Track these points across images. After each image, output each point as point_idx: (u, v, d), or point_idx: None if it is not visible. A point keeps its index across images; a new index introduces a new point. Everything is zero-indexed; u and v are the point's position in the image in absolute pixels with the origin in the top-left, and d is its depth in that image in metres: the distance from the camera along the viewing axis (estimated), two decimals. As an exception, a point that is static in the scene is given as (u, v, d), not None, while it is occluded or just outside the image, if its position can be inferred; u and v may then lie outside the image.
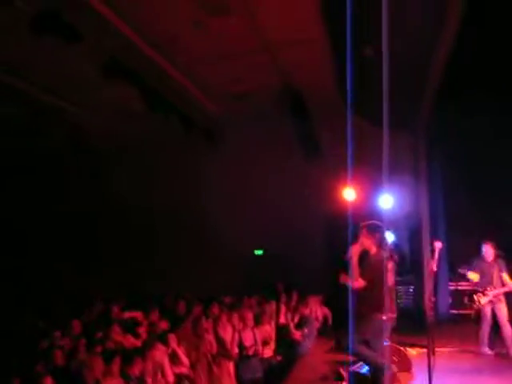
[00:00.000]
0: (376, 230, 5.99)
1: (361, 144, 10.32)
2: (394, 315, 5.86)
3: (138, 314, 9.06)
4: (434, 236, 11.03)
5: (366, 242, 5.95)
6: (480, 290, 8.52)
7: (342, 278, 6.02)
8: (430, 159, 12.92)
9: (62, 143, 13.66)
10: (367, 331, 5.66)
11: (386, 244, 6.16)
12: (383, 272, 5.73)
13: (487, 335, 8.43)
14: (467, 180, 11.97)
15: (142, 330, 7.55)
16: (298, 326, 9.52)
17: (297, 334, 9.52)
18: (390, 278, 5.89)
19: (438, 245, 5.36)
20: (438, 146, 12.94)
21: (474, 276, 8.55)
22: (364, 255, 5.90)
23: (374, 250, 5.91)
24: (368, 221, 6.15)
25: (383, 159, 9.11)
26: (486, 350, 8.47)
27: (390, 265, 5.96)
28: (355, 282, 5.66)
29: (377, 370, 5.74)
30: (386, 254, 5.97)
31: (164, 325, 7.83)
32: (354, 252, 5.81)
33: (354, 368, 6.40)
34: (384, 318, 5.71)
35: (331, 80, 11.56)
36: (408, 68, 9.81)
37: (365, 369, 6.30)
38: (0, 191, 15.32)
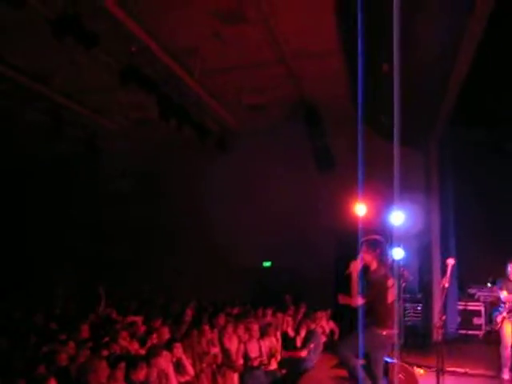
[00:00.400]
0: (377, 246, 5.82)
1: (373, 159, 10.35)
2: (395, 331, 5.73)
3: (138, 319, 9.06)
4: (445, 253, 10.95)
5: (367, 258, 5.78)
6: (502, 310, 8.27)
7: (341, 299, 5.93)
8: (442, 176, 12.84)
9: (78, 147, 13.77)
10: (366, 344, 5.55)
11: (387, 260, 5.99)
12: (383, 289, 5.62)
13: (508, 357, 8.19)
14: (479, 198, 11.90)
15: (149, 338, 7.53)
16: (305, 340, 9.44)
17: (303, 348, 9.44)
18: (391, 296, 5.67)
19: (451, 261, 5.26)
20: (450, 163, 12.88)
21: (505, 294, 8.30)
22: (366, 271, 5.73)
23: (374, 265, 5.74)
24: (370, 236, 5.98)
25: (394, 175, 9.14)
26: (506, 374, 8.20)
27: (391, 282, 5.72)
28: (354, 299, 5.55)
29: (355, 379, 5.65)
30: (385, 271, 5.78)
31: (166, 332, 7.79)
32: (354, 268, 5.65)
33: (360, 384, 6.31)
34: (384, 333, 5.59)
35: (346, 94, 11.61)
36: (424, 85, 9.82)
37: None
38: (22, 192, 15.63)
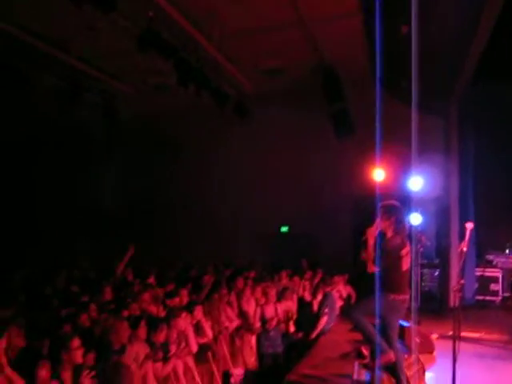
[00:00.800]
0: (393, 212, 5.71)
1: (392, 124, 10.28)
2: (408, 296, 5.74)
3: (152, 280, 9.18)
4: (463, 218, 10.89)
5: (383, 225, 5.64)
6: None
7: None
8: (462, 139, 12.69)
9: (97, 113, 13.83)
10: (381, 308, 5.58)
11: (404, 227, 5.77)
12: (398, 259, 5.57)
13: None
14: (499, 161, 11.75)
15: (168, 300, 7.67)
16: (320, 304, 9.54)
17: (319, 312, 9.54)
18: (406, 264, 5.64)
19: (470, 226, 5.19)
20: (470, 126, 12.72)
21: None
22: (382, 237, 5.60)
23: (390, 233, 5.64)
24: (386, 201, 5.86)
25: (412, 138, 9.04)
26: None
27: (406, 250, 5.64)
28: (370, 266, 5.55)
29: (370, 342, 5.79)
30: (401, 239, 5.67)
31: (185, 295, 7.93)
32: (370, 235, 5.56)
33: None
34: (398, 298, 5.62)
35: (364, 57, 11.48)
36: (444, 46, 9.65)
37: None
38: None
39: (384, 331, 5.69)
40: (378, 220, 5.68)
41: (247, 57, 12.07)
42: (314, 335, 8.96)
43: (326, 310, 9.37)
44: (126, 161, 16.34)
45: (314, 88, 12.55)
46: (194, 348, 6.64)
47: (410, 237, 6.15)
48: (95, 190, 16.51)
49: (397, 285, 5.60)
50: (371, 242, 5.54)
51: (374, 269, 5.51)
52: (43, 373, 4.10)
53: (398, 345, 5.82)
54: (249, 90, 13.96)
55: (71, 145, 16.18)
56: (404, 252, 5.62)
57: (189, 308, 7.00)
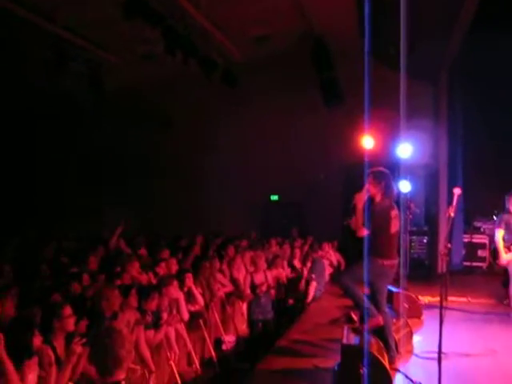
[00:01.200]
0: (382, 178, 5.76)
1: (381, 92, 10.23)
2: (396, 261, 5.83)
3: (143, 252, 9.22)
4: (452, 185, 10.97)
5: (372, 190, 5.73)
6: (506, 245, 8.24)
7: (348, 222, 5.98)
8: (451, 106, 12.68)
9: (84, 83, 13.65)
10: (370, 273, 5.61)
11: (392, 192, 5.82)
12: (387, 220, 5.65)
13: None
14: (488, 128, 11.79)
15: (158, 269, 7.71)
16: (310, 270, 9.66)
17: (309, 278, 9.65)
18: (395, 226, 5.72)
19: (457, 191, 5.22)
20: (459, 92, 12.71)
21: (501, 233, 8.25)
22: (371, 202, 5.68)
23: (378, 197, 5.71)
24: (375, 168, 5.89)
25: (401, 105, 9.03)
26: None
27: (394, 213, 5.72)
28: (359, 230, 5.57)
29: (359, 307, 5.85)
30: (390, 202, 5.74)
31: (174, 264, 7.96)
32: (359, 199, 5.63)
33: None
34: (386, 263, 5.68)
35: (353, 24, 11.36)
36: (433, 13, 9.58)
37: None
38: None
39: (373, 296, 5.77)
40: (366, 185, 5.75)
41: (235, 24, 11.92)
42: (309, 301, 9.11)
43: (314, 276, 9.49)
44: (115, 131, 16.22)
45: (303, 56, 12.46)
46: (186, 316, 6.70)
47: (398, 203, 6.10)
48: (85, 159, 16.45)
49: (385, 249, 5.67)
50: (360, 206, 5.59)
51: (364, 232, 5.55)
52: (37, 341, 4.13)
53: (386, 309, 5.91)
54: (237, 59, 13.82)
55: (60, 115, 16.03)
56: (393, 214, 5.69)
57: (179, 276, 7.04)
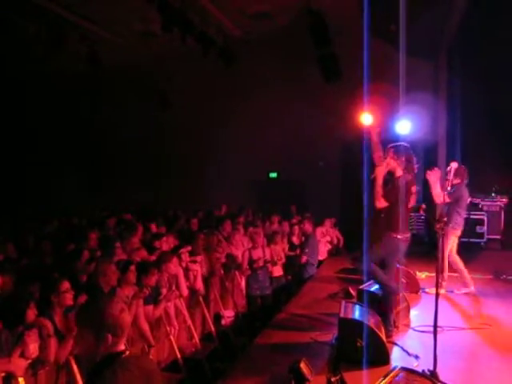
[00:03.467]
0: (403, 153, 5.89)
1: (381, 68, 10.20)
2: (409, 235, 5.95)
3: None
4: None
5: (392, 164, 5.89)
6: None
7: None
8: (450, 82, 12.63)
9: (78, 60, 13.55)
10: (382, 250, 5.87)
11: (413, 166, 5.92)
12: (405, 194, 5.75)
13: None
14: (488, 105, 11.74)
15: (158, 245, 7.75)
16: (303, 245, 9.73)
17: (301, 253, 9.70)
18: (412, 200, 5.98)
19: (454, 165, 5.28)
20: (459, 69, 12.64)
21: None
22: (391, 176, 5.88)
23: (399, 172, 5.85)
24: (397, 142, 6.05)
25: (400, 81, 9.02)
26: None
27: (414, 188, 5.93)
28: (378, 201, 5.73)
29: (387, 291, 5.93)
30: (410, 177, 5.86)
31: (172, 239, 8.01)
32: (379, 172, 5.78)
33: (363, 287, 6.56)
34: (399, 237, 5.81)
35: (353, 0, 11.25)
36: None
37: (374, 287, 6.46)
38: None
39: (383, 269, 5.91)
40: (387, 159, 5.90)
41: (233, 1, 11.81)
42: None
43: (307, 250, 9.58)
44: (113, 109, 16.16)
45: (301, 33, 12.33)
46: (185, 292, 6.76)
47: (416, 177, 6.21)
48: (83, 137, 16.43)
49: (399, 223, 5.75)
50: (380, 179, 5.74)
51: (382, 204, 5.71)
52: (31, 314, 4.17)
53: (393, 283, 6.00)
54: (235, 35, 13.72)
55: (58, 93, 15.97)
56: (413, 189, 5.85)
57: (177, 251, 7.08)
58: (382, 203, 5.71)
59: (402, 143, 6.01)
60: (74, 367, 4.39)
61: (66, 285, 4.57)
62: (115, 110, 16.10)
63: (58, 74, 14.99)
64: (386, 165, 5.88)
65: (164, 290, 6.16)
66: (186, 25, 10.96)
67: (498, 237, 12.92)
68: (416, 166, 6.01)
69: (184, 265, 7.05)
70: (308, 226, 9.97)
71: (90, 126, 16.48)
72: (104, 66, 13.55)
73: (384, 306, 5.84)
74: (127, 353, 2.58)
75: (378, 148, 5.82)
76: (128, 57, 14.57)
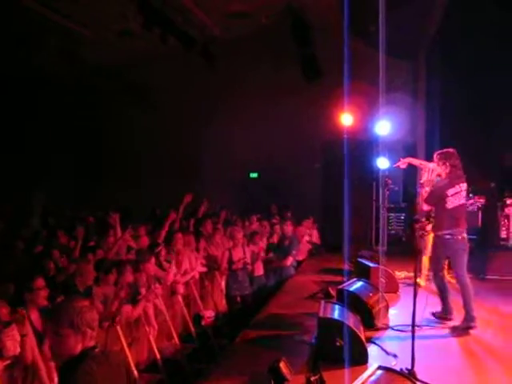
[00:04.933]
0: (448, 157, 6.37)
1: (361, 69, 10.26)
2: (463, 229, 6.36)
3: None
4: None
5: (439, 168, 6.40)
6: None
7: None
8: (430, 82, 12.72)
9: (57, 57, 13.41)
10: (438, 250, 6.42)
11: (458, 170, 6.38)
12: (445, 196, 6.20)
13: None
14: (467, 105, 11.85)
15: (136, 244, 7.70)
16: (289, 246, 9.72)
17: (286, 256, 9.69)
18: (451, 203, 6.24)
19: (433, 165, 5.41)
20: (438, 70, 12.74)
21: None
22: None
23: (444, 175, 6.36)
24: (444, 149, 6.53)
25: (380, 81, 9.09)
26: None
27: (452, 190, 6.26)
28: (421, 206, 6.38)
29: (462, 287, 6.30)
30: (453, 180, 6.30)
31: (145, 240, 7.95)
32: (428, 179, 6.50)
33: (343, 286, 6.59)
34: (439, 234, 6.28)
35: (333, 1, 11.30)
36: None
37: (353, 287, 6.50)
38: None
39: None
40: (434, 164, 6.49)
41: (214, 0, 11.79)
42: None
43: (294, 252, 9.60)
44: (95, 107, 16.03)
45: (282, 33, 12.37)
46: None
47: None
48: (67, 132, 16.24)
49: (443, 223, 6.24)
50: (426, 185, 6.43)
51: (424, 208, 6.36)
52: (4, 311, 4.11)
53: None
54: (216, 35, 13.69)
55: (37, 92, 15.76)
56: (451, 191, 6.21)
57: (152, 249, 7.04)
58: (423, 207, 6.34)
59: (449, 149, 6.46)
60: (41, 365, 4.32)
61: (41, 282, 4.50)
62: (96, 108, 15.98)
63: (38, 72, 14.81)
64: (433, 170, 6.55)
65: (143, 290, 6.12)
66: (167, 24, 10.92)
67: (475, 236, 13.04)
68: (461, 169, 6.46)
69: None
70: (290, 228, 9.97)
71: (71, 125, 16.28)
72: (85, 64, 13.47)
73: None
74: (97, 349, 2.64)
75: (425, 193, 6.40)
76: (109, 56, 14.45)
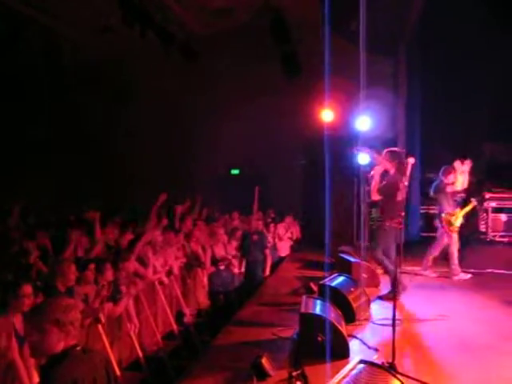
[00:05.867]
0: (396, 156, 7.04)
1: (341, 65, 10.28)
2: (399, 225, 6.35)
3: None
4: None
5: (387, 165, 7.04)
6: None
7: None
8: (410, 78, 12.82)
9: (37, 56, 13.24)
10: (382, 238, 6.99)
11: (404, 167, 6.78)
12: (394, 189, 6.82)
13: None
14: (446, 99, 11.98)
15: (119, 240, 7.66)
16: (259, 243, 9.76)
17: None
18: (401, 195, 6.84)
19: (411, 160, 5.52)
20: (418, 66, 12.85)
21: None
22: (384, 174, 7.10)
23: (392, 171, 7.01)
24: (392, 148, 7.34)
25: (361, 77, 9.17)
26: None
27: (402, 185, 6.76)
28: (372, 194, 7.04)
29: (393, 277, 6.48)
30: (400, 176, 6.78)
31: (129, 236, 7.91)
32: (376, 172, 7.00)
33: (325, 281, 6.63)
34: (388, 224, 6.91)
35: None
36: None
37: (334, 282, 6.55)
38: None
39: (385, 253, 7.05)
40: (384, 160, 7.09)
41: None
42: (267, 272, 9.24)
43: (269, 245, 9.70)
44: (76, 106, 15.86)
45: (262, 30, 12.35)
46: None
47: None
48: (47, 133, 16.05)
49: (392, 213, 6.80)
50: (377, 177, 6.94)
51: (377, 197, 6.98)
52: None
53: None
54: (196, 32, 13.62)
55: (17, 91, 15.57)
56: (401, 186, 6.73)
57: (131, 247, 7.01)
58: (375, 196, 6.98)
59: (397, 149, 7.37)
60: (20, 364, 4.28)
61: (28, 289, 4.44)
62: (76, 106, 15.81)
63: (15, 69, 14.61)
64: (383, 165, 7.08)
65: (123, 288, 6.09)
66: (147, 20, 10.85)
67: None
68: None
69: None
70: (260, 223, 9.99)
71: (49, 123, 16.09)
72: (64, 61, 13.31)
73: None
74: (79, 348, 2.64)
75: (377, 184, 6.99)
76: (89, 52, 14.31)
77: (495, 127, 12.39)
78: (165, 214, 9.10)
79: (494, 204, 11.48)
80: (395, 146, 12.57)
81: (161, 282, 7.37)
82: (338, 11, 9.88)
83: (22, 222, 9.56)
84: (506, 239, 11.16)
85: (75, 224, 8.55)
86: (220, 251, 8.44)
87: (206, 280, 8.68)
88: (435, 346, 5.39)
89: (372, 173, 7.24)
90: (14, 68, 14.31)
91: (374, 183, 7.03)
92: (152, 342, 6.81)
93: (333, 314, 5.37)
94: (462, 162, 8.67)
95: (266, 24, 12.18)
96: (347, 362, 4.53)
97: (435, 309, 6.59)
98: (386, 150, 7.20)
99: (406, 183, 5.33)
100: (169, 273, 7.63)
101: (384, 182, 7.03)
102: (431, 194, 8.97)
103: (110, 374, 2.81)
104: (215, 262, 8.43)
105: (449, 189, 8.61)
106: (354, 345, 5.33)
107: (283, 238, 11.20)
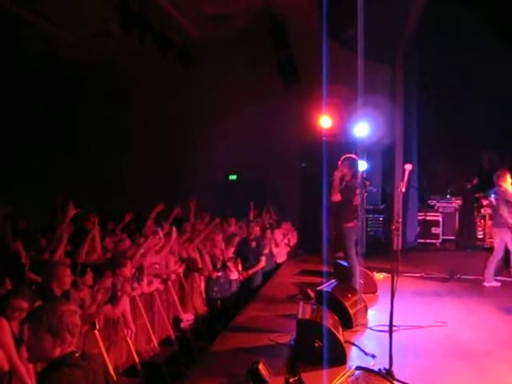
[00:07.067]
0: (353, 163, 7.52)
1: (339, 72, 10.31)
2: (355, 224, 7.51)
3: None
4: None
5: (345, 171, 7.42)
6: None
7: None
8: (407, 86, 12.85)
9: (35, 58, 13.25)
10: (348, 240, 7.38)
11: (358, 174, 7.68)
12: (352, 193, 7.39)
13: None
14: (443, 106, 12.02)
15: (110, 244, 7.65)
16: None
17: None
18: (357, 200, 7.46)
19: (408, 167, 5.46)
20: (415, 73, 12.89)
21: None
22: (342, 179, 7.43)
23: (348, 177, 7.44)
24: (349, 155, 7.60)
25: (359, 84, 9.26)
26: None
27: (358, 190, 7.50)
28: (333, 196, 7.30)
29: (352, 272, 7.34)
30: (356, 182, 7.48)
31: (128, 242, 7.89)
32: (336, 176, 7.32)
33: (322, 288, 6.63)
34: (350, 225, 7.37)
35: (312, 5, 11.34)
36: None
37: (332, 288, 6.54)
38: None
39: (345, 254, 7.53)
40: (341, 167, 7.45)
41: (192, 2, 11.77)
42: (251, 272, 9.25)
43: (266, 251, 9.70)
44: (74, 109, 15.88)
45: (261, 36, 12.39)
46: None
47: (362, 182, 8.02)
48: (43, 136, 16.04)
49: (349, 215, 7.39)
50: (337, 181, 7.31)
51: (337, 198, 7.29)
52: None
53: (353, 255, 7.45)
54: (195, 38, 13.66)
55: (13, 93, 15.56)
56: (358, 191, 7.47)
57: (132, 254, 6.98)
58: (336, 197, 7.29)
59: (353, 156, 7.69)
60: (23, 370, 4.26)
61: (25, 304, 4.40)
62: (72, 109, 15.82)
63: (11, 72, 14.61)
64: (341, 171, 7.43)
65: (119, 293, 6.06)
66: (145, 26, 10.88)
67: (453, 237, 13.26)
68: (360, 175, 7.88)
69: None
70: (257, 228, 9.99)
71: (44, 126, 16.07)
72: (61, 65, 13.32)
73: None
74: (77, 354, 2.62)
75: (336, 188, 7.34)
76: (86, 56, 14.34)
77: (492, 135, 12.43)
78: (164, 221, 9.08)
79: (490, 211, 11.49)
80: (393, 154, 12.70)
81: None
82: (335, 18, 9.93)
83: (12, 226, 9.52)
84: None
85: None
86: (218, 257, 8.42)
87: (203, 286, 8.66)
88: (432, 353, 5.39)
89: (332, 177, 7.54)
90: (10, 71, 14.34)
91: (335, 186, 7.37)
92: (149, 348, 6.78)
93: (330, 321, 5.37)
94: None
95: (264, 30, 12.22)
96: (344, 369, 4.53)
97: (432, 315, 6.60)
98: (344, 157, 7.58)
99: (403, 190, 5.31)
100: (165, 280, 7.59)
101: (343, 186, 7.43)
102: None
103: (108, 380, 2.79)
104: (213, 268, 8.41)
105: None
106: (351, 351, 5.32)
107: (280, 244, 11.18)
